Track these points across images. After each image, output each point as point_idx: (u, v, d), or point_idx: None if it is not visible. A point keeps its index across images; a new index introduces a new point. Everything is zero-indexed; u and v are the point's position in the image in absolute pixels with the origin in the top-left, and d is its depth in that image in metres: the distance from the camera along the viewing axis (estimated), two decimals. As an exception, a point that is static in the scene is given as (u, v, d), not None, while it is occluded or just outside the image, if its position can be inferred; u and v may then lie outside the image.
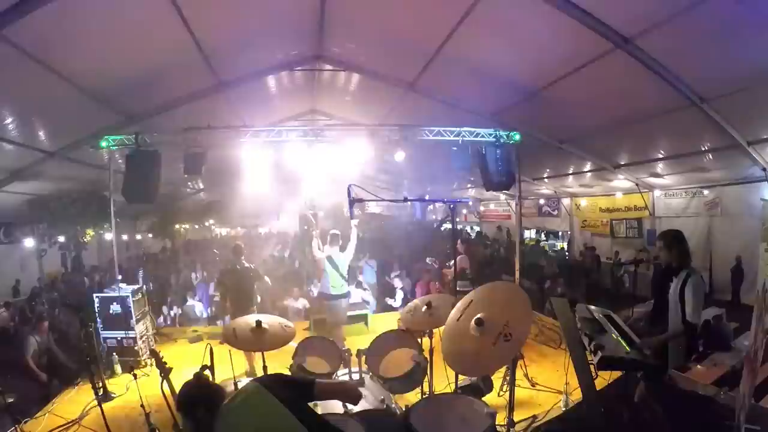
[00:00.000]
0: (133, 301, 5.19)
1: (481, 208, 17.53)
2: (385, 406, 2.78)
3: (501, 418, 2.55)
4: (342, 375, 3.25)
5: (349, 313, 6.28)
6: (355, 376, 3.14)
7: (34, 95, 4.87)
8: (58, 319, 7.33)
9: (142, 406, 3.15)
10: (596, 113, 6.41)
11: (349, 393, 1.96)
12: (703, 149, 6.57)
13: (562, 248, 13.30)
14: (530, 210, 14.35)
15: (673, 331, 2.86)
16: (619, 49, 4.44)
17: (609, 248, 11.33)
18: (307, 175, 8.57)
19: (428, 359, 3.17)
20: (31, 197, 8.56)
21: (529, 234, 15.08)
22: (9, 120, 5.21)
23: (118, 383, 4.61)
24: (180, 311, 8.39)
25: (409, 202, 12.03)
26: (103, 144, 5.64)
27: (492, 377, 3.44)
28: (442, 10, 4.73)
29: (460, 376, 2.93)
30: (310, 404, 1.76)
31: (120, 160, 6.30)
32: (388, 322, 6.02)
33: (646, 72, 4.70)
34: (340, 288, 5.70)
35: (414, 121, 6.57)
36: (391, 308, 7.95)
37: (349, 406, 2.53)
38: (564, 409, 3.65)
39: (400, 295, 8.36)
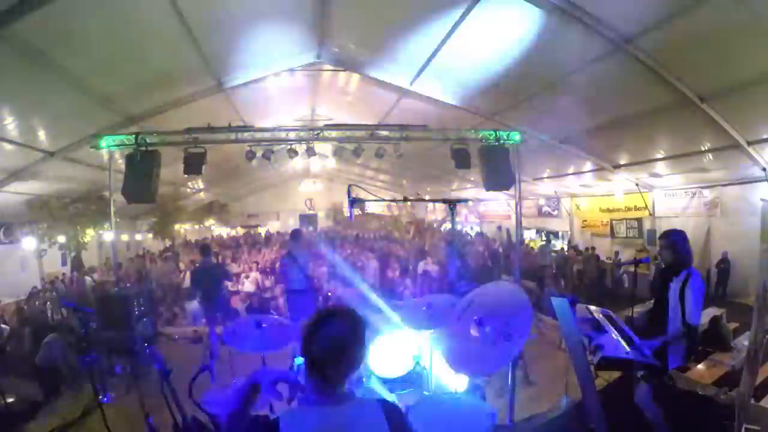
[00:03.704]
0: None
1: (481, 208, 17.53)
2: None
3: (501, 418, 2.55)
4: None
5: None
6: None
7: (34, 95, 4.87)
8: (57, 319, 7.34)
9: (142, 406, 3.15)
10: (596, 113, 6.41)
11: None
12: (703, 149, 6.57)
13: (562, 248, 13.30)
14: (530, 210, 14.34)
15: (672, 332, 2.86)
16: (619, 49, 4.44)
17: (609, 248, 11.33)
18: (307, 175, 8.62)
19: (428, 359, 3.17)
20: (31, 197, 8.55)
21: (529, 234, 15.07)
22: (9, 120, 5.21)
23: (118, 383, 4.60)
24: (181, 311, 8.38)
25: (408, 203, 12.03)
26: (103, 144, 5.64)
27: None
28: (442, 10, 4.74)
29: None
30: None
31: (120, 160, 6.30)
32: (388, 322, 6.01)
33: (646, 72, 4.71)
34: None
35: (414, 120, 6.57)
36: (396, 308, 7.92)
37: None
38: (564, 409, 3.65)
39: (406, 295, 8.33)
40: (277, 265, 10.82)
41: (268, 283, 9.59)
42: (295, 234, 6.24)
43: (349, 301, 7.08)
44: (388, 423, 1.23)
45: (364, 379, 3.08)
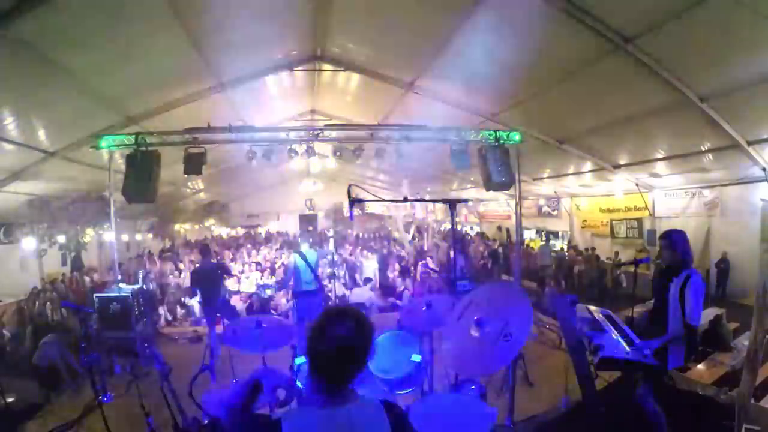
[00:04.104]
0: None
1: (481, 208, 17.52)
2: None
3: (501, 418, 2.55)
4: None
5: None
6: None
7: (34, 95, 4.87)
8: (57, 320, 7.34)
9: (142, 406, 3.15)
10: (596, 113, 6.41)
11: None
12: (703, 149, 6.57)
13: (562, 248, 13.31)
14: (530, 210, 14.34)
15: (672, 332, 2.86)
16: (619, 49, 4.44)
17: (609, 248, 11.33)
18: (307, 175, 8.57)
19: (428, 359, 3.17)
20: (31, 197, 8.55)
21: (529, 234, 15.07)
22: (9, 120, 5.21)
23: (118, 383, 4.60)
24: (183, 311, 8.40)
25: (409, 203, 12.01)
26: (103, 144, 5.64)
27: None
28: (442, 10, 4.74)
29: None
30: None
31: (120, 160, 6.30)
32: (388, 322, 6.02)
33: (646, 72, 4.70)
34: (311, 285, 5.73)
35: (414, 120, 6.57)
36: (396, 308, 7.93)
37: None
38: (564, 409, 3.65)
39: (407, 295, 8.34)
40: (279, 264, 10.83)
41: (268, 283, 9.59)
42: (305, 234, 6.17)
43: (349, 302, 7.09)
44: (390, 423, 1.22)
45: (365, 379, 3.08)
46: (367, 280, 8.82)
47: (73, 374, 4.72)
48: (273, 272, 10.33)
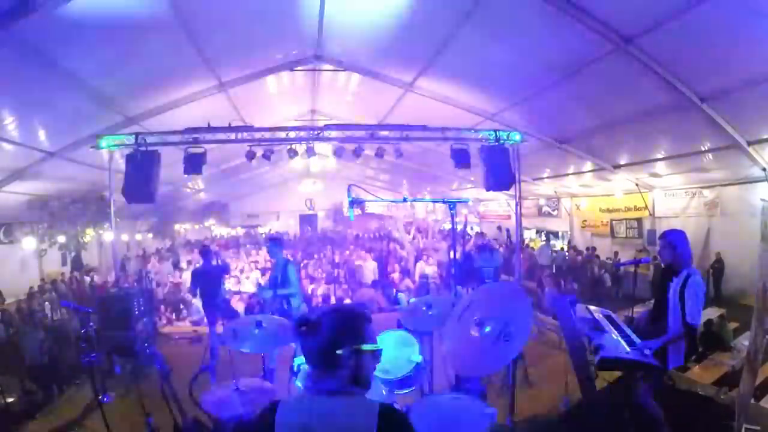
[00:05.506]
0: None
1: (481, 208, 17.52)
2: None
3: (501, 418, 2.55)
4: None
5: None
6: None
7: (35, 95, 4.87)
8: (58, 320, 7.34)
9: (142, 406, 3.15)
10: (596, 113, 6.41)
11: None
12: (703, 149, 6.57)
13: (562, 248, 13.30)
14: (530, 210, 14.34)
15: (673, 332, 2.85)
16: (619, 49, 4.44)
17: (609, 248, 11.33)
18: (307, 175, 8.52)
19: (428, 359, 3.17)
20: (31, 197, 8.56)
21: (529, 234, 15.06)
22: (9, 120, 5.21)
23: (118, 383, 4.60)
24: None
25: (408, 203, 12.00)
26: (103, 144, 5.63)
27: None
28: (442, 11, 4.74)
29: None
30: None
31: (120, 160, 6.30)
32: (388, 322, 6.01)
33: (646, 72, 4.71)
34: None
35: (414, 120, 6.57)
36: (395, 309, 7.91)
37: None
38: (564, 409, 3.65)
39: (404, 296, 8.33)
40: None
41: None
42: (276, 244, 5.14)
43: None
44: (378, 426, 1.19)
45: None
46: (375, 283, 8.81)
47: (58, 369, 4.67)
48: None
